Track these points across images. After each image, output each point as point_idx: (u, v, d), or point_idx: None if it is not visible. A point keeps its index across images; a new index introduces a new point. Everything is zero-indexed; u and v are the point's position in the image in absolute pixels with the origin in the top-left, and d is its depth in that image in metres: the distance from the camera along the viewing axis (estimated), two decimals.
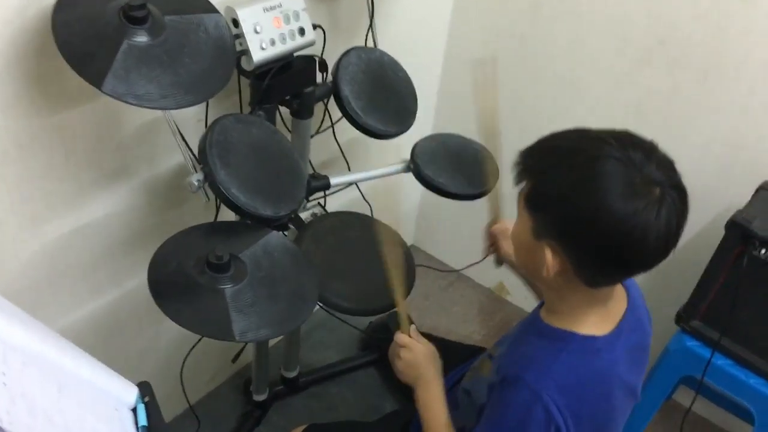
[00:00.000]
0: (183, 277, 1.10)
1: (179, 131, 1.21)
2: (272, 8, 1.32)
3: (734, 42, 1.61)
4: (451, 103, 2.19)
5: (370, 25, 1.56)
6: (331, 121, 1.60)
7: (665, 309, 1.60)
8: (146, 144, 1.39)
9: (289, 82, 1.38)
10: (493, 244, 1.45)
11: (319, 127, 1.58)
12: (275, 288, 1.12)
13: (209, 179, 1.19)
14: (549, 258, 0.95)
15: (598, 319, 1.02)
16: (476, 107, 1.39)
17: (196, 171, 1.22)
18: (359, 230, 1.45)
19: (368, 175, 1.61)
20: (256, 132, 1.28)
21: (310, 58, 1.42)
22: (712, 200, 1.78)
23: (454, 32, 2.07)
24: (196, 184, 1.20)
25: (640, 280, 1.08)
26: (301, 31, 1.37)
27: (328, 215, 1.48)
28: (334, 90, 1.47)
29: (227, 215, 1.49)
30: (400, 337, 1.21)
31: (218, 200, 1.42)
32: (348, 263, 1.38)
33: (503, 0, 1.93)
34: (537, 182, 0.96)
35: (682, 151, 1.75)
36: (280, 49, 1.34)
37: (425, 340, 1.22)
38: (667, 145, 1.81)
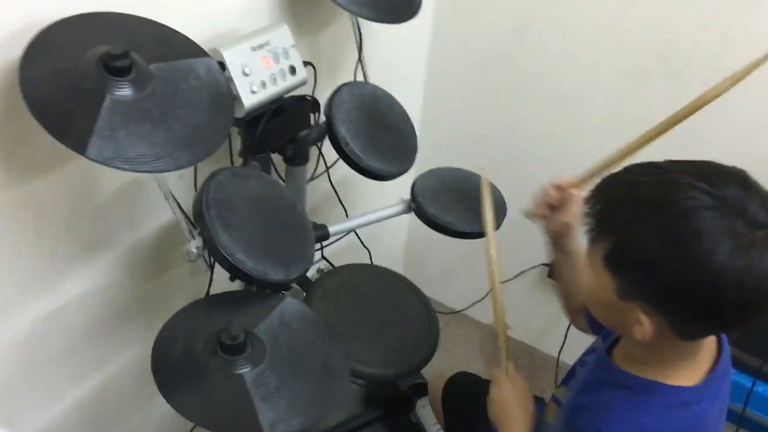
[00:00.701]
0: (192, 364, 0.94)
1: (172, 194, 1.05)
2: (260, 47, 1.19)
3: (738, 49, 1.54)
4: (434, 133, 2.08)
5: (359, 58, 1.44)
6: (326, 164, 1.46)
7: None
8: (125, 209, 1.23)
9: (283, 126, 1.25)
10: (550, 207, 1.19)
11: (314, 171, 1.43)
12: (300, 366, 0.98)
13: (209, 245, 1.04)
14: (646, 323, 0.82)
15: (686, 370, 0.90)
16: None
17: (193, 237, 1.06)
18: (372, 283, 1.32)
19: (368, 220, 1.48)
20: (254, 186, 1.14)
21: (301, 99, 1.29)
22: None
23: (435, 59, 1.96)
24: (195, 251, 1.05)
25: None
26: (292, 70, 1.24)
27: (335, 270, 1.34)
28: (328, 131, 1.34)
29: (221, 280, 1.33)
30: (496, 373, 1.14)
31: (213, 265, 1.26)
32: (366, 323, 1.24)
33: (485, 21, 1.83)
34: (620, 241, 0.80)
35: None
36: (271, 91, 1.20)
37: (521, 380, 1.13)
38: (672, 156, 1.74)
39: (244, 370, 0.94)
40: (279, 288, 1.14)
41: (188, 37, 1.02)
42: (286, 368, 0.96)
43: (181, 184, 1.27)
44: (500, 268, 1.99)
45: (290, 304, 1.07)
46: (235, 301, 1.08)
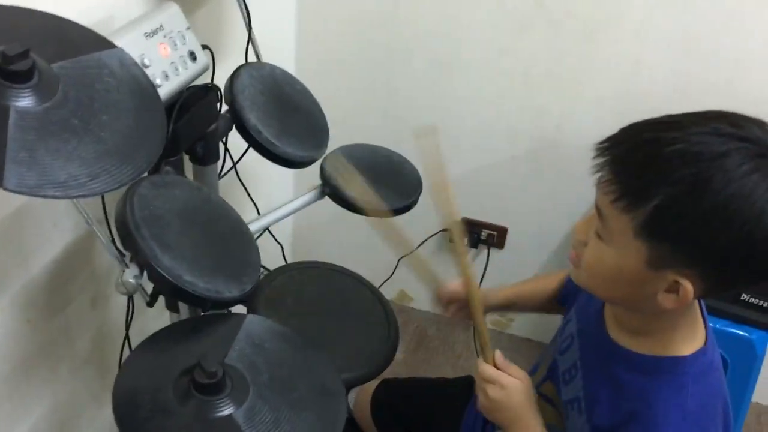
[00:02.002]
0: (168, 417, 0.78)
1: (86, 215, 0.86)
2: (154, 33, 1.01)
3: None
4: None
5: (249, 37, 1.28)
6: (232, 159, 1.31)
7: None
8: (13, 244, 1.02)
9: (193, 122, 1.08)
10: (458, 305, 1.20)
11: (222, 169, 1.27)
12: (291, 391, 0.85)
13: (149, 270, 0.87)
14: (688, 287, 0.76)
15: (694, 329, 0.88)
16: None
17: (126, 265, 0.89)
18: (317, 282, 1.20)
19: (282, 214, 1.34)
20: (179, 195, 0.98)
21: (205, 88, 1.13)
22: None
23: (303, 31, 1.83)
24: (133, 281, 0.87)
25: None
26: (192, 56, 1.08)
27: (272, 274, 1.20)
28: (235, 120, 1.19)
29: (140, 307, 1.16)
30: (486, 369, 0.95)
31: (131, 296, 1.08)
32: (322, 326, 1.12)
33: None
34: (660, 206, 0.73)
35: (577, 108, 1.74)
36: (175, 82, 1.03)
37: (516, 369, 0.97)
38: (560, 105, 1.76)
39: (231, 410, 0.79)
40: (225, 306, 0.99)
41: (85, 27, 0.84)
42: (278, 397, 0.83)
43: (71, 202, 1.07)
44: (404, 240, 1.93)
45: (254, 321, 0.93)
46: (189, 330, 0.92)
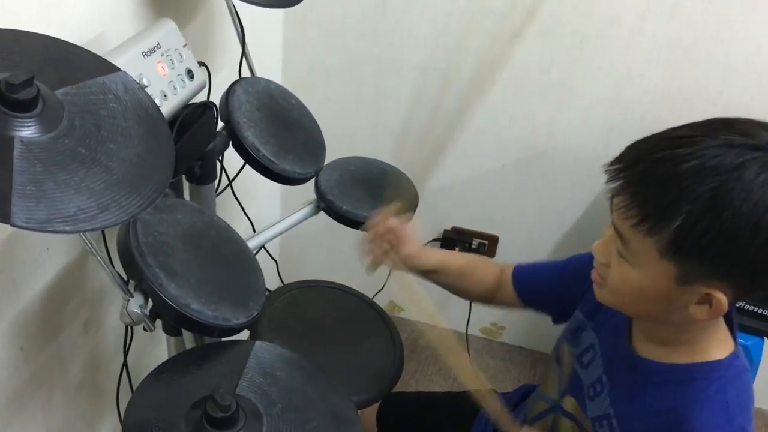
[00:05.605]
0: None
1: (91, 245, 0.83)
2: (151, 51, 0.99)
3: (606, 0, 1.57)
4: None
5: (243, 51, 1.26)
6: (228, 177, 1.28)
7: None
8: (5, 272, 0.98)
9: (194, 141, 1.05)
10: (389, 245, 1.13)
11: (217, 187, 1.24)
12: (306, 421, 0.83)
13: (155, 299, 0.85)
14: (722, 299, 0.75)
15: (723, 335, 0.87)
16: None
17: (130, 294, 0.86)
18: (318, 302, 1.17)
19: (279, 230, 1.32)
20: (182, 219, 0.95)
21: (203, 107, 1.10)
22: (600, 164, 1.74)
23: (290, 39, 1.80)
24: (138, 311, 0.85)
25: None
26: (190, 74, 1.05)
27: (272, 294, 1.18)
28: (233, 138, 1.16)
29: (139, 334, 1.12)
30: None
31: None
32: (328, 348, 1.10)
33: None
34: (682, 225, 0.73)
35: (567, 116, 1.74)
36: (173, 102, 1.01)
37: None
38: (551, 113, 1.76)
39: None
40: (232, 333, 0.97)
41: (87, 50, 0.81)
42: (293, 429, 0.80)
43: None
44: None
45: (262, 348, 0.90)
46: (197, 360, 0.89)
